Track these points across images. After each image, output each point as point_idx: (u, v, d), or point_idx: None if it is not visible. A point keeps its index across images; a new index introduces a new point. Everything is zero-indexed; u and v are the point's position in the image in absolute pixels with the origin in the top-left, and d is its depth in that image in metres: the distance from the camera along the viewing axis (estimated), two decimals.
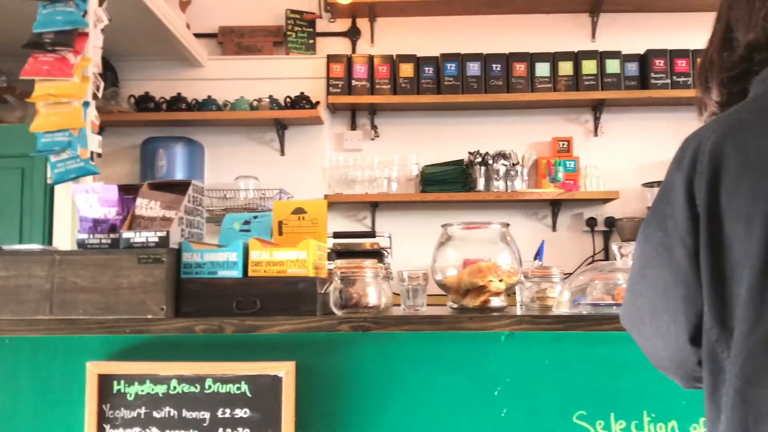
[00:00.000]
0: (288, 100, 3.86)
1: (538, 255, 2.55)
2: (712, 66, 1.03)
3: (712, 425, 0.91)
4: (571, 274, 1.82)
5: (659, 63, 3.80)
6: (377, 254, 3.41)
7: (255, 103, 3.86)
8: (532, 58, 3.86)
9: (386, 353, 1.52)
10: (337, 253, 3.44)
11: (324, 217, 1.68)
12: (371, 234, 3.44)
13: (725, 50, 1.01)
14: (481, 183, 3.82)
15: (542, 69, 3.84)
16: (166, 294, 1.49)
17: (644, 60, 3.86)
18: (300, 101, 3.83)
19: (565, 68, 3.84)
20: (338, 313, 1.54)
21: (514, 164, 3.84)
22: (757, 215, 0.84)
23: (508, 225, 1.84)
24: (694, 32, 3.55)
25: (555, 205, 3.96)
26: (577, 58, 3.86)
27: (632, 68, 3.86)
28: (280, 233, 1.69)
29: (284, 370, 1.46)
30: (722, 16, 1.04)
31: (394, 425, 1.50)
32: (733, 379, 0.85)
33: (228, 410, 1.47)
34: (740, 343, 0.84)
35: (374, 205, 3.97)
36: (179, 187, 1.70)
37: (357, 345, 1.52)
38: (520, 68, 3.84)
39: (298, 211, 1.69)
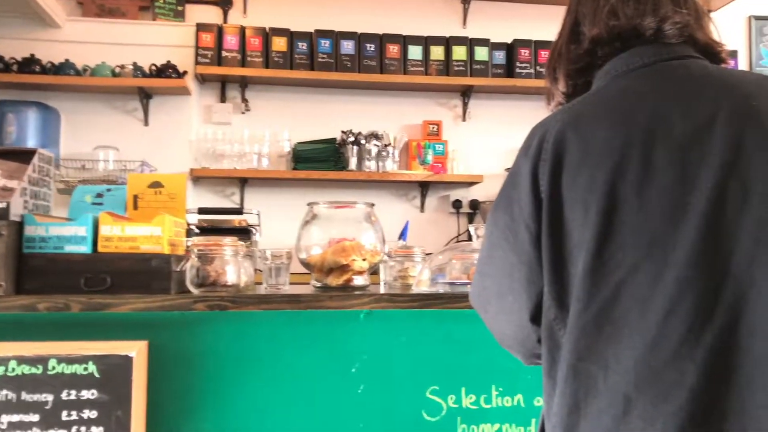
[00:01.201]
0: (153, 68, 3.68)
1: (403, 235, 2.60)
2: (560, 58, 1.08)
3: (548, 399, 0.96)
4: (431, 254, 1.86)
5: (524, 53, 3.96)
6: (245, 232, 3.35)
7: (117, 70, 3.65)
8: (405, 41, 3.90)
9: (244, 332, 1.49)
10: (202, 230, 3.34)
11: (183, 191, 1.62)
12: (239, 211, 3.37)
13: (572, 43, 1.05)
14: (353, 162, 3.83)
15: (415, 52, 3.89)
16: (5, 269, 1.39)
17: (511, 49, 4.00)
18: (166, 70, 3.67)
19: (437, 53, 3.92)
20: (195, 291, 1.50)
21: (386, 145, 3.88)
22: (594, 202, 0.89)
23: (373, 205, 1.86)
24: (558, 24, 3.70)
25: (424, 187, 4.05)
26: (448, 43, 3.95)
27: (499, 56, 3.99)
28: (135, 207, 1.61)
29: (135, 350, 1.40)
30: (571, 10, 1.09)
31: (251, 404, 1.48)
32: (566, 355, 0.90)
33: (74, 392, 1.40)
34: (574, 321, 0.89)
35: (243, 181, 3.89)
36: (24, 156, 1.58)
37: (214, 324, 1.49)
38: (393, 50, 3.87)
39: (155, 184, 1.62)
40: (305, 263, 1.77)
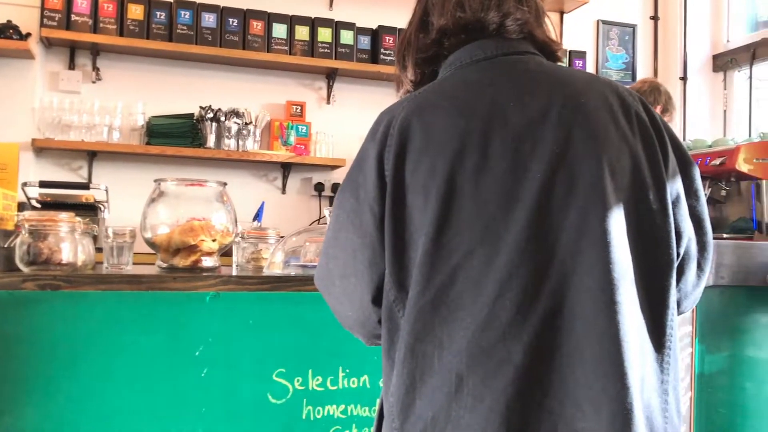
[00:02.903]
0: None
1: (257, 216, 2.56)
2: (409, 46, 1.09)
3: (387, 379, 0.98)
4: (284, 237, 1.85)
5: (389, 39, 4.01)
6: (91, 208, 3.16)
7: None
8: (269, 18, 3.82)
9: (80, 314, 1.41)
10: (44, 205, 3.13)
11: (15, 162, 1.50)
12: (85, 186, 3.18)
13: (421, 32, 1.08)
14: (211, 140, 3.71)
15: (279, 30, 3.83)
16: None
17: (376, 35, 4.03)
18: (6, 30, 3.37)
19: (302, 33, 3.87)
20: (25, 270, 1.40)
21: (246, 123, 3.79)
22: (434, 188, 0.92)
23: (225, 184, 1.81)
24: None
25: (286, 168, 4.00)
26: (314, 24, 3.91)
27: (365, 41, 4.01)
28: None
29: None
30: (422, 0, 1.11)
31: (85, 389, 1.40)
32: (404, 336, 0.92)
33: None
34: (412, 304, 0.92)
35: (92, 155, 3.66)
36: None
37: (46, 305, 1.39)
38: (257, 26, 3.79)
39: None
40: (151, 243, 1.70)
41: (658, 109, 3.26)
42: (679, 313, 1.03)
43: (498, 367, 0.86)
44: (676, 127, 4.42)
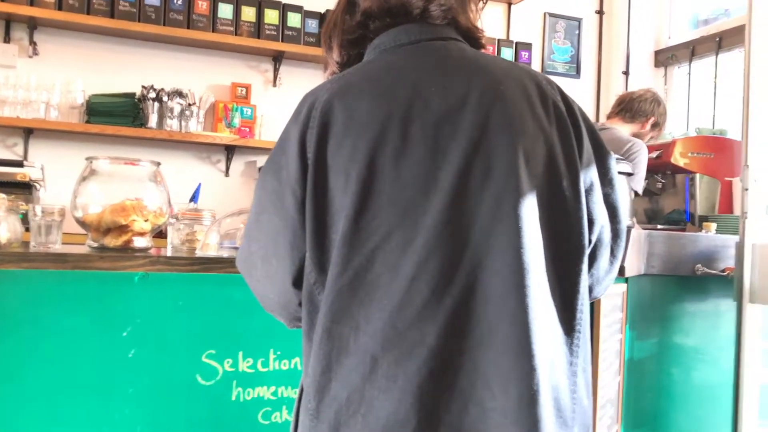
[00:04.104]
0: None
1: (194, 197, 2.53)
2: (335, 27, 1.09)
3: (306, 360, 0.99)
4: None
5: None
6: (26, 187, 3.08)
7: None
8: None
9: (0, 292, 1.38)
10: None
11: None
12: (19, 163, 3.09)
13: (347, 14, 1.08)
14: (153, 120, 3.65)
15: (225, 11, 3.77)
16: None
17: (324, 18, 4.01)
18: None
19: (248, 14, 3.82)
20: None
21: (190, 104, 3.73)
22: (354, 171, 0.92)
23: (159, 164, 1.78)
24: None
25: (229, 151, 3.96)
26: (260, 5, 3.86)
27: (312, 25, 3.98)
28: None
29: None
30: None
31: (7, 370, 1.38)
32: (322, 318, 0.93)
33: None
34: (331, 285, 0.92)
35: (28, 132, 3.56)
36: None
37: None
38: (202, 6, 3.72)
39: None
40: (81, 222, 1.67)
41: (650, 122, 3.27)
42: (592, 298, 1.06)
43: (412, 349, 0.88)
44: None
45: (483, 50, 1.07)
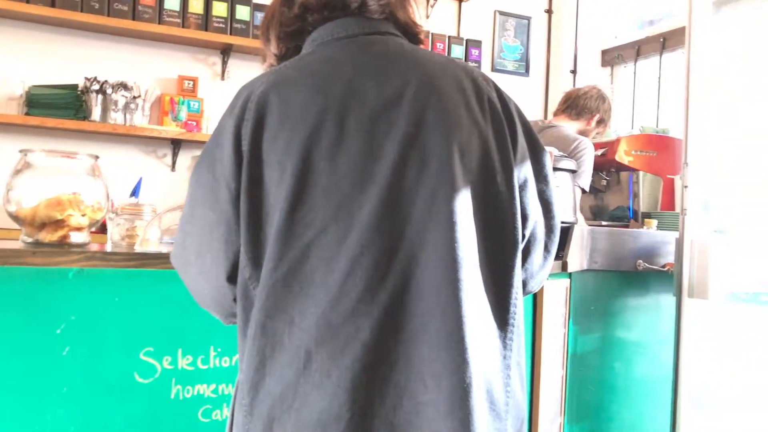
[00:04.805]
0: None
1: (135, 192, 2.48)
2: (273, 19, 1.08)
3: (241, 356, 0.98)
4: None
5: None
6: None
7: None
8: None
9: None
10: None
11: None
12: None
13: (285, 6, 1.07)
14: (96, 113, 3.55)
15: (172, 2, 3.69)
16: None
17: None
18: None
19: (196, 6, 3.76)
20: None
21: (135, 97, 3.65)
22: (289, 164, 0.91)
23: (97, 157, 1.74)
24: None
25: (176, 145, 3.89)
26: None
27: (262, 18, 3.93)
28: None
29: None
30: None
31: None
32: (256, 313, 0.92)
33: None
34: (265, 280, 0.91)
35: None
36: None
37: None
38: None
39: None
40: (14, 217, 1.62)
41: (595, 119, 3.28)
42: (526, 292, 1.07)
43: (346, 344, 0.87)
44: None
45: (422, 46, 1.07)
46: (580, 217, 2.94)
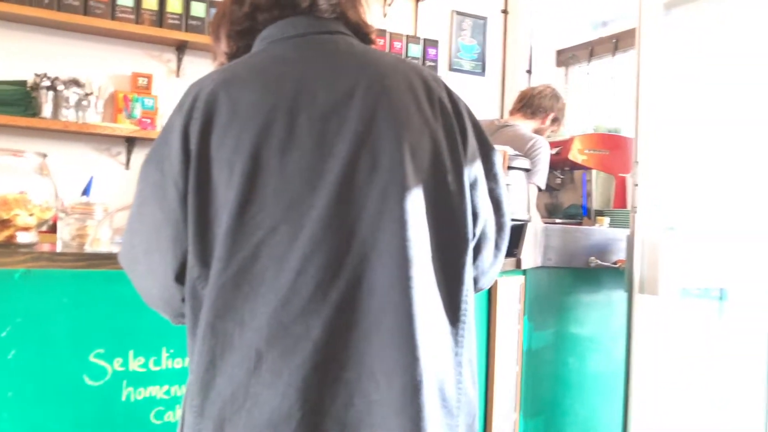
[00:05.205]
0: None
1: (86, 191, 2.43)
2: (224, 18, 1.07)
3: (191, 356, 0.97)
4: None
5: None
6: None
7: None
8: None
9: None
10: None
11: None
12: None
13: (235, 5, 1.06)
14: (47, 110, 3.47)
15: None
16: None
17: None
18: None
19: (150, 2, 3.69)
20: None
21: (87, 94, 3.57)
22: (238, 164, 0.91)
23: (45, 155, 1.70)
24: None
25: (130, 143, 3.82)
26: None
27: None
28: None
29: None
30: None
31: None
32: (206, 314, 0.91)
33: None
34: (214, 281, 0.91)
35: None
36: None
37: None
38: None
39: None
40: None
41: (549, 117, 3.34)
42: (477, 289, 1.09)
43: (296, 343, 0.87)
44: None
45: (373, 45, 1.08)
46: (536, 215, 2.99)
